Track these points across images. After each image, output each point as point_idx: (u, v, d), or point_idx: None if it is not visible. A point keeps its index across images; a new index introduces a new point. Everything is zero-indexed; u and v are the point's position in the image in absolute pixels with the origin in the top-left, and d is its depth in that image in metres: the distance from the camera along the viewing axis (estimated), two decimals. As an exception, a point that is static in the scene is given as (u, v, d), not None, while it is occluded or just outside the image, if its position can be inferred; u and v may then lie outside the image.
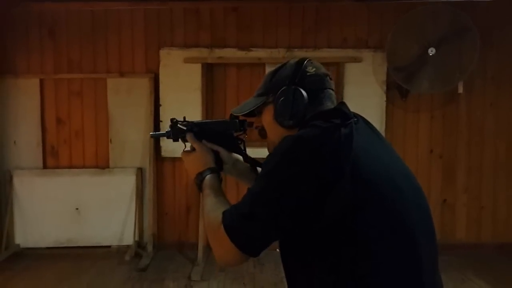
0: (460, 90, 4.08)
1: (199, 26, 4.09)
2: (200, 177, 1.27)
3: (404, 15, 3.73)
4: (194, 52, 4.01)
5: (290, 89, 1.13)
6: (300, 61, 1.18)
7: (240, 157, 1.38)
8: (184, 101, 3.91)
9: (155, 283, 3.43)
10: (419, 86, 3.81)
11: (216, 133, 1.36)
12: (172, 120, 1.39)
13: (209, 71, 4.10)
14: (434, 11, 3.69)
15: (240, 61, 4.05)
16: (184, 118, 1.41)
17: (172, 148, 3.97)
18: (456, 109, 4.16)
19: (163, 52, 4.03)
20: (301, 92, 1.13)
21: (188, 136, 1.35)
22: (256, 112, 1.25)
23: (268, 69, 4.01)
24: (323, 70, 1.19)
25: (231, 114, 1.32)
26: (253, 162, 1.37)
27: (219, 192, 1.20)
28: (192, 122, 1.38)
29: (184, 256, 4.00)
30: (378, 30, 4.05)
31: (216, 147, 1.35)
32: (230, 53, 4.03)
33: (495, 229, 4.21)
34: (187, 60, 3.99)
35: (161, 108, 4.01)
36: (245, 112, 1.26)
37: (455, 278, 3.46)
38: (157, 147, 4.05)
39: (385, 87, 4.03)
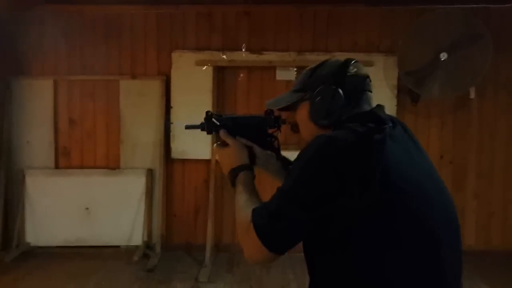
0: (472, 95, 4.06)
1: (211, 30, 4.12)
2: (233, 173, 1.27)
3: (416, 20, 3.72)
4: (205, 55, 4.05)
5: (329, 88, 1.12)
6: (344, 62, 1.16)
7: (273, 154, 1.38)
8: (195, 103, 3.93)
9: (163, 284, 3.44)
10: (430, 91, 3.79)
11: (250, 128, 1.35)
12: (207, 113, 1.37)
13: (220, 74, 4.12)
14: (447, 16, 3.67)
15: (251, 64, 4.07)
16: (219, 111, 1.40)
17: (182, 149, 4.00)
18: (468, 114, 4.14)
19: (175, 55, 4.06)
20: (339, 93, 1.11)
21: (221, 132, 1.35)
22: (291, 108, 1.24)
23: (279, 73, 4.05)
24: (364, 71, 1.18)
25: (266, 110, 1.32)
26: (285, 160, 1.37)
27: (252, 189, 1.21)
28: (226, 117, 1.37)
29: (192, 257, 4.01)
30: (389, 35, 4.05)
31: (249, 143, 1.34)
32: (241, 56, 4.06)
33: (505, 236, 4.17)
34: (199, 63, 4.02)
35: (172, 110, 4.04)
36: (280, 107, 1.25)
37: (463, 285, 3.42)
38: (167, 149, 4.08)
39: (396, 92, 4.02)
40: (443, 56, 3.66)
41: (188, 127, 1.44)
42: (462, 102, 4.10)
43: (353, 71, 1.15)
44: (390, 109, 3.97)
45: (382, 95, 3.97)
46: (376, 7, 4.04)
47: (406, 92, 4.04)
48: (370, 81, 1.18)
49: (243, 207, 1.13)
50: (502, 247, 4.15)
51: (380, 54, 4.03)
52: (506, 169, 4.16)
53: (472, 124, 4.15)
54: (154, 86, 4.12)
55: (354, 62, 1.16)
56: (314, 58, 3.92)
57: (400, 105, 4.05)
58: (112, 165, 4.20)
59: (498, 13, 4.00)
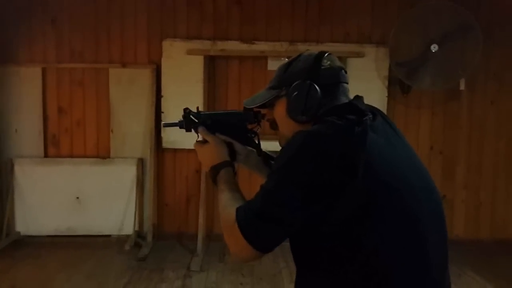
0: (462, 87, 4.09)
1: (202, 18, 4.08)
2: (214, 171, 1.26)
3: (407, 11, 3.72)
4: (196, 44, 4.01)
5: (304, 83, 1.10)
6: (317, 55, 1.15)
7: (254, 150, 1.36)
8: (185, 92, 3.91)
9: (155, 273, 3.45)
10: (421, 82, 3.81)
11: (230, 125, 1.33)
12: (185, 110, 1.35)
13: (211, 63, 4.10)
14: (437, 7, 3.68)
15: (242, 54, 4.04)
16: (198, 108, 1.37)
17: (173, 139, 3.98)
18: (458, 105, 4.17)
19: (165, 44, 4.03)
20: (315, 87, 1.10)
21: (200, 129, 1.33)
22: (268, 105, 1.23)
23: (271, 63, 4.03)
24: (338, 63, 1.16)
25: (244, 106, 1.30)
26: (266, 156, 1.35)
27: (234, 187, 1.19)
28: (205, 114, 1.35)
29: (184, 246, 4.02)
30: (381, 26, 4.05)
31: (229, 140, 1.33)
32: (233, 46, 4.03)
33: (494, 226, 4.24)
34: (190, 52, 3.99)
35: (162, 99, 4.01)
36: (257, 105, 1.24)
37: (452, 273, 3.45)
38: (158, 138, 4.06)
39: (387, 83, 4.03)
40: (434, 47, 3.68)
41: (166, 125, 1.42)
42: (453, 93, 4.13)
43: (327, 64, 1.13)
44: (381, 100, 3.99)
45: (373, 85, 3.98)
46: (368, -2, 4.04)
47: (397, 83, 4.05)
48: (346, 72, 1.17)
49: (226, 206, 1.12)
50: (491, 237, 4.22)
51: (372, 45, 4.03)
52: (495, 159, 4.21)
53: (462, 115, 4.18)
54: (145, 75, 4.08)
55: (327, 54, 1.15)
56: (305, 48, 3.90)
57: (391, 96, 4.07)
58: (102, 154, 4.17)
59: (487, 5, 4.03)
